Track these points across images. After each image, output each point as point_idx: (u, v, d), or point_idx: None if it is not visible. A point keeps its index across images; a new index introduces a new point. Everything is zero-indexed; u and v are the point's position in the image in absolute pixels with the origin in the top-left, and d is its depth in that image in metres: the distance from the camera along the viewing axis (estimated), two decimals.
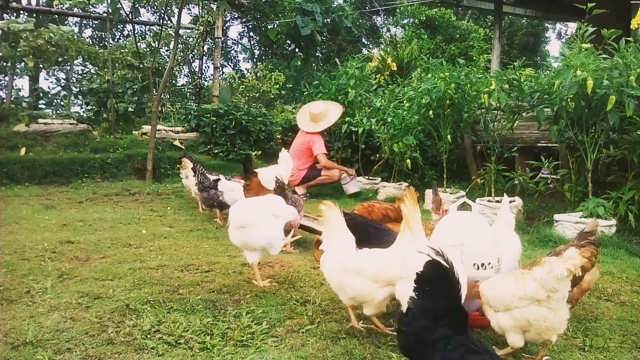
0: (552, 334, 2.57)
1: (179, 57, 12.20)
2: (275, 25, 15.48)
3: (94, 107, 11.00)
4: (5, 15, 11.99)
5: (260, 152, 9.88)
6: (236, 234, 3.63)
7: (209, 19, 12.50)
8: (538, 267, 2.56)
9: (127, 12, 10.54)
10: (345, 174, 7.96)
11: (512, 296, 2.54)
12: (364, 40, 21.53)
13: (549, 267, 2.46)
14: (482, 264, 2.92)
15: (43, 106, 12.79)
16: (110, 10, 10.31)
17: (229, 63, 23.20)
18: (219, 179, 6.00)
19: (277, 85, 13.95)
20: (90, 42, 19.38)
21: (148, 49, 13.11)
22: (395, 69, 11.30)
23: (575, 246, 3.04)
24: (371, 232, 3.51)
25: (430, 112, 7.01)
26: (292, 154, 7.22)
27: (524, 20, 20.25)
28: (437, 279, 1.96)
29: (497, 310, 2.63)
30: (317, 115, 7.94)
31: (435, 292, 1.97)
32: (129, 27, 19.30)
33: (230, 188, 5.75)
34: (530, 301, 2.49)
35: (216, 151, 9.65)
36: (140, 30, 18.61)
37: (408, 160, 7.56)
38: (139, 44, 11.77)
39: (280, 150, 6.76)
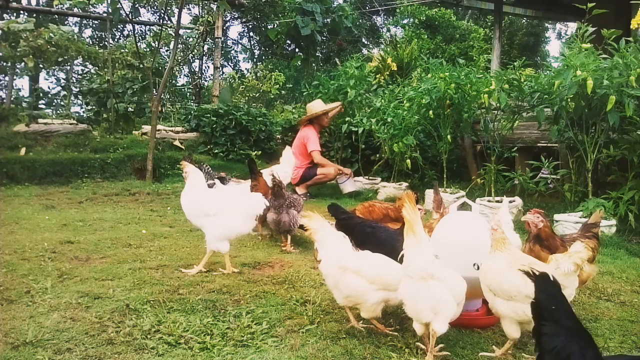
0: None
1: (179, 57, 12.21)
2: (275, 25, 15.42)
3: (94, 107, 10.99)
4: (5, 15, 11.99)
5: (260, 152, 9.88)
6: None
7: (209, 19, 12.50)
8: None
9: (127, 12, 10.53)
10: (342, 172, 7.97)
11: (519, 292, 2.49)
12: (364, 40, 21.49)
13: (555, 263, 2.43)
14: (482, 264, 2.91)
15: (43, 106, 12.81)
16: (110, 10, 10.31)
17: (229, 63, 23.16)
18: (214, 184, 5.96)
19: (277, 85, 13.92)
20: (90, 42, 19.37)
21: (148, 49, 13.11)
22: (395, 69, 11.27)
23: (580, 238, 3.04)
24: (368, 231, 3.50)
25: (430, 112, 7.01)
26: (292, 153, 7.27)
27: (524, 20, 20.22)
28: (554, 294, 1.81)
29: (498, 295, 2.57)
30: (309, 108, 8.14)
31: (560, 308, 1.79)
32: (129, 27, 19.33)
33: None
34: None
35: (216, 151, 9.65)
36: (140, 30, 18.63)
37: (408, 160, 7.56)
38: (139, 44, 11.76)
39: (284, 149, 6.80)
